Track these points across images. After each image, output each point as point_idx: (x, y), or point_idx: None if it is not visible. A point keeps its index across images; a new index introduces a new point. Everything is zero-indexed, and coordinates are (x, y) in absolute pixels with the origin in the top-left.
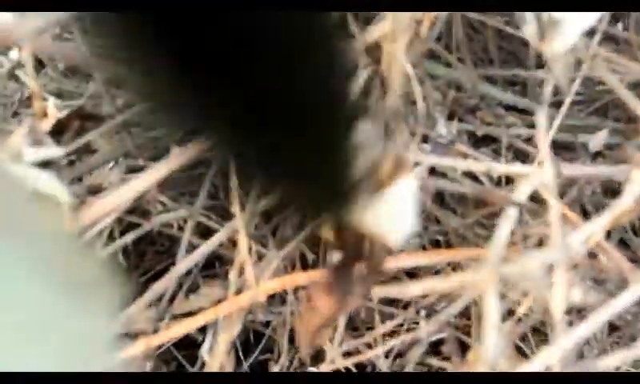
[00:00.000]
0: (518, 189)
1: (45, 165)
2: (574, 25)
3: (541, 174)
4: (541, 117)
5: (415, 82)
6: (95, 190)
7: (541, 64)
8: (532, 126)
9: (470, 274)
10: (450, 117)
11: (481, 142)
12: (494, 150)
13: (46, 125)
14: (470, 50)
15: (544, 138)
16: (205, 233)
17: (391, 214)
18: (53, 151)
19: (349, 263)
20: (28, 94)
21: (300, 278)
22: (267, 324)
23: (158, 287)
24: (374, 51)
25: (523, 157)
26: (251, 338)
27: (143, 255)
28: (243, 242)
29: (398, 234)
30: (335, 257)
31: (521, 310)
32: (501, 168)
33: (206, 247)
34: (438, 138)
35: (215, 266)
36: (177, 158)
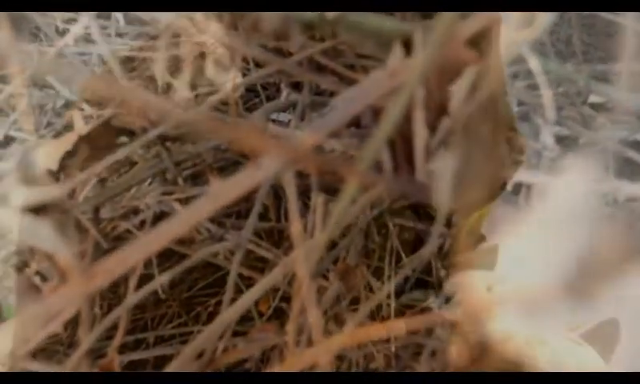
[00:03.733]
0: None
1: (41, 209)
2: None
3: None
4: None
5: (543, 80)
6: (130, 213)
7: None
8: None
9: None
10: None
11: (558, 142)
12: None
13: (70, 139)
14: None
15: None
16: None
17: None
18: (50, 191)
19: None
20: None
21: (377, 330)
22: None
23: (200, 341)
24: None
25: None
26: None
27: (191, 271)
28: (305, 282)
29: None
30: None
31: None
32: None
33: (259, 287)
34: (544, 151)
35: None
36: (220, 194)
